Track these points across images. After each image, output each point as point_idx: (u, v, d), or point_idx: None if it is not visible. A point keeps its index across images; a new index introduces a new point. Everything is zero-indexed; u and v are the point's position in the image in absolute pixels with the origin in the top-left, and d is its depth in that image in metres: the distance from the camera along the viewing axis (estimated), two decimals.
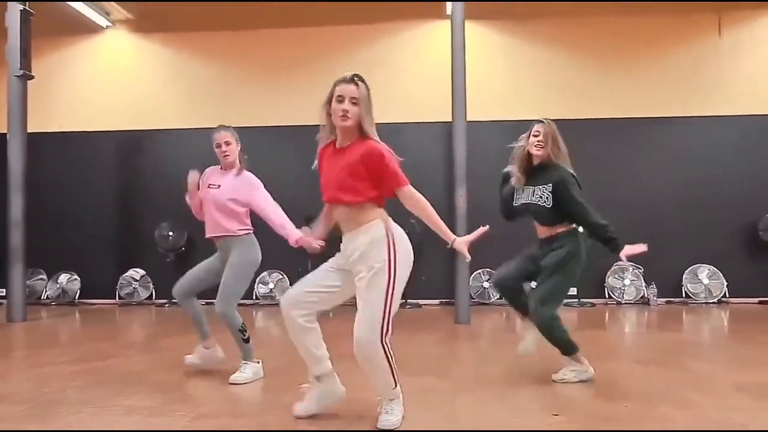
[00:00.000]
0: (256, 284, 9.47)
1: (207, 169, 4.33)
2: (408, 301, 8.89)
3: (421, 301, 9.15)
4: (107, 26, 10.27)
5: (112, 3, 9.84)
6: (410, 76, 9.70)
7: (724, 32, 9.52)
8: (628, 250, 3.67)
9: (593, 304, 8.92)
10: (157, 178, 10.00)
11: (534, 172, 3.97)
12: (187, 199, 4.32)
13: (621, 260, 3.73)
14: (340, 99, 2.82)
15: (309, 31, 9.83)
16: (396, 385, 2.99)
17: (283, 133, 9.48)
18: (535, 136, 3.93)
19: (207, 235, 4.30)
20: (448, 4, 8.03)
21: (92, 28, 10.20)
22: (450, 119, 8.11)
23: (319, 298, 3.01)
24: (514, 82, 9.64)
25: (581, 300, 8.94)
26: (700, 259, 9.15)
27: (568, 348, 3.90)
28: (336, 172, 2.89)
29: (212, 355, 4.31)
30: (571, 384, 3.84)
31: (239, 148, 4.22)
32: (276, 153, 9.02)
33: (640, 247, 3.63)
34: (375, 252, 2.83)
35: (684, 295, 9.11)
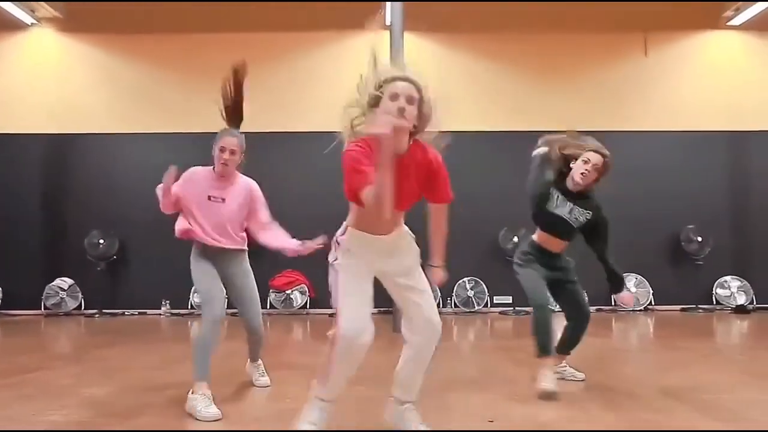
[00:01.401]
0: (192, 293, 9.27)
1: (196, 170, 3.83)
2: None
3: None
4: (32, 24, 9.86)
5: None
6: (349, 85, 9.72)
7: (650, 51, 10.01)
8: (626, 297, 4.04)
9: (528, 313, 9.14)
10: (88, 183, 9.70)
11: (571, 192, 3.93)
12: (159, 194, 3.73)
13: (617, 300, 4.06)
14: (394, 97, 2.55)
15: (247, 37, 9.75)
16: None
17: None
18: (586, 163, 3.83)
19: (213, 245, 3.78)
20: (388, 15, 8.12)
21: (15, 25, 9.80)
22: None
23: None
24: (451, 93, 9.80)
25: (516, 308, 9.17)
26: (628, 268, 9.53)
27: None
28: (402, 183, 2.58)
29: None
30: (506, 392, 3.94)
31: (243, 159, 3.86)
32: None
33: (630, 298, 4.04)
34: (415, 253, 2.91)
35: (613, 303, 9.47)
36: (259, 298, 3.94)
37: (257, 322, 3.92)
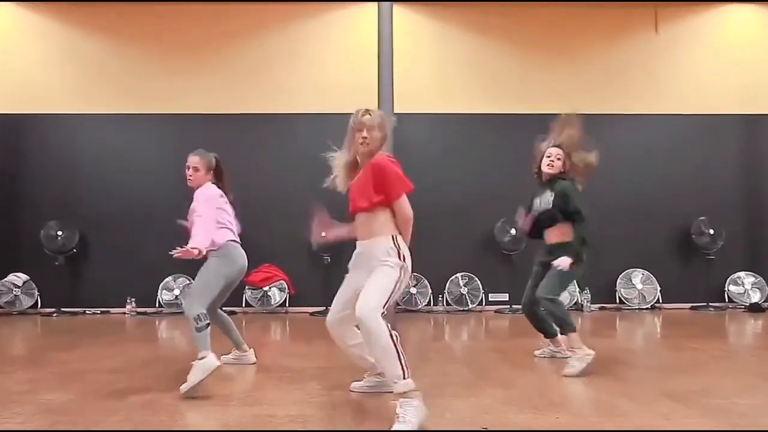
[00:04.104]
0: (159, 290, 9.25)
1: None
2: (328, 308, 8.90)
3: None
4: None
5: None
6: (333, 63, 9.72)
7: (661, 28, 10.04)
8: (562, 261, 4.67)
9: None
10: (44, 169, 9.62)
11: (546, 181, 4.95)
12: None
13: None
14: (360, 129, 3.51)
15: (220, 9, 9.67)
16: (404, 377, 3.18)
17: (190, 122, 9.30)
18: (548, 157, 4.90)
19: None
20: None
21: None
22: None
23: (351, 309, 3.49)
24: (444, 72, 9.83)
25: (512, 306, 9.23)
26: (634, 263, 9.62)
27: (564, 324, 4.73)
28: (356, 185, 3.58)
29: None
30: (502, 396, 3.97)
31: (209, 175, 4.68)
32: (181, 143, 8.82)
33: (565, 263, 4.66)
34: (387, 257, 3.42)
35: (618, 301, 9.56)
36: (194, 290, 4.50)
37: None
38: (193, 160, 4.63)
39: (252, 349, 5.18)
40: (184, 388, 3.96)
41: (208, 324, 4.22)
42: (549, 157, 4.91)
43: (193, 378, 3.98)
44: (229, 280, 4.60)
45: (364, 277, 3.45)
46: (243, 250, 4.73)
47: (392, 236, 3.49)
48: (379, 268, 3.41)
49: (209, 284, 4.44)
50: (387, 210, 3.51)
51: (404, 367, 3.19)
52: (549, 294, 4.71)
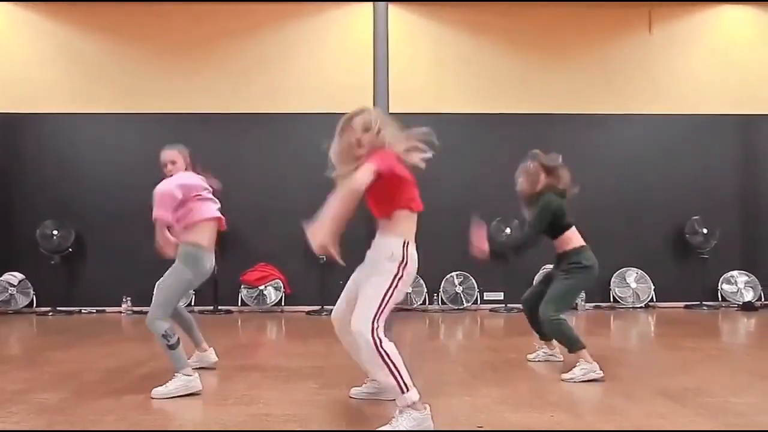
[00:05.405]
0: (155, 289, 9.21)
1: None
2: (324, 307, 8.90)
3: None
4: None
5: None
6: (330, 62, 9.69)
7: (655, 28, 10.05)
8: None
9: (520, 310, 9.19)
10: (40, 168, 9.57)
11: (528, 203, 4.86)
12: None
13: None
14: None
15: (218, 8, 9.63)
16: (404, 391, 3.07)
17: (186, 121, 9.27)
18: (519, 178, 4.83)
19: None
20: None
21: None
22: None
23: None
24: (440, 71, 9.82)
25: (507, 305, 9.23)
26: (629, 262, 9.63)
27: (571, 344, 4.47)
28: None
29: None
30: (497, 395, 3.96)
31: (186, 167, 4.43)
32: (178, 142, 8.77)
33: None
34: (385, 262, 3.27)
35: (612, 300, 9.56)
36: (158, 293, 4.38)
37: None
38: (172, 153, 4.41)
39: (212, 348, 4.91)
40: (157, 393, 3.91)
41: (179, 339, 4.06)
42: (524, 174, 4.79)
43: (172, 389, 3.93)
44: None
45: (363, 277, 3.37)
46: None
47: (403, 242, 3.30)
48: (371, 277, 3.27)
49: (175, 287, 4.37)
50: (400, 211, 3.37)
51: (401, 381, 3.04)
52: (552, 314, 4.48)
